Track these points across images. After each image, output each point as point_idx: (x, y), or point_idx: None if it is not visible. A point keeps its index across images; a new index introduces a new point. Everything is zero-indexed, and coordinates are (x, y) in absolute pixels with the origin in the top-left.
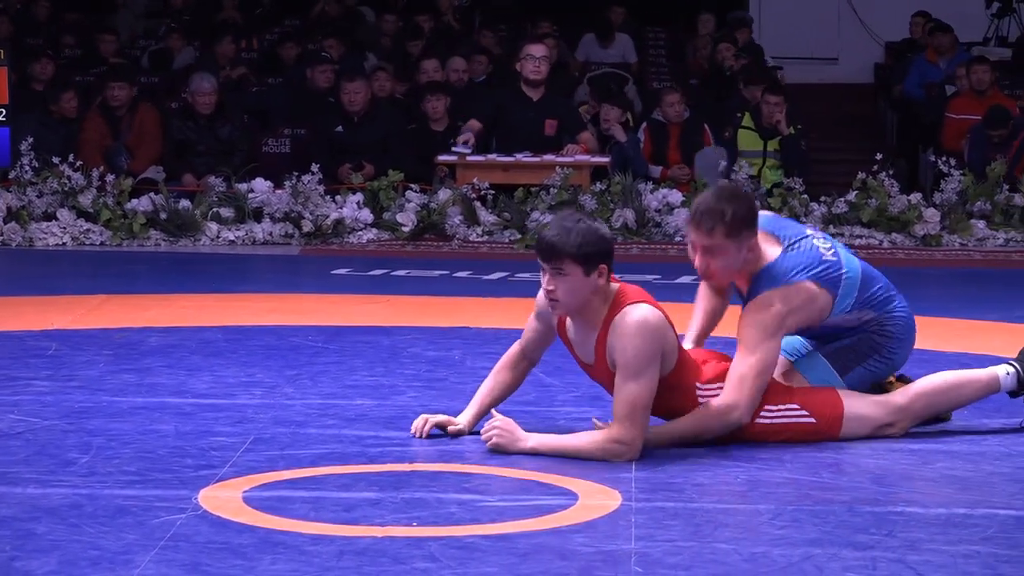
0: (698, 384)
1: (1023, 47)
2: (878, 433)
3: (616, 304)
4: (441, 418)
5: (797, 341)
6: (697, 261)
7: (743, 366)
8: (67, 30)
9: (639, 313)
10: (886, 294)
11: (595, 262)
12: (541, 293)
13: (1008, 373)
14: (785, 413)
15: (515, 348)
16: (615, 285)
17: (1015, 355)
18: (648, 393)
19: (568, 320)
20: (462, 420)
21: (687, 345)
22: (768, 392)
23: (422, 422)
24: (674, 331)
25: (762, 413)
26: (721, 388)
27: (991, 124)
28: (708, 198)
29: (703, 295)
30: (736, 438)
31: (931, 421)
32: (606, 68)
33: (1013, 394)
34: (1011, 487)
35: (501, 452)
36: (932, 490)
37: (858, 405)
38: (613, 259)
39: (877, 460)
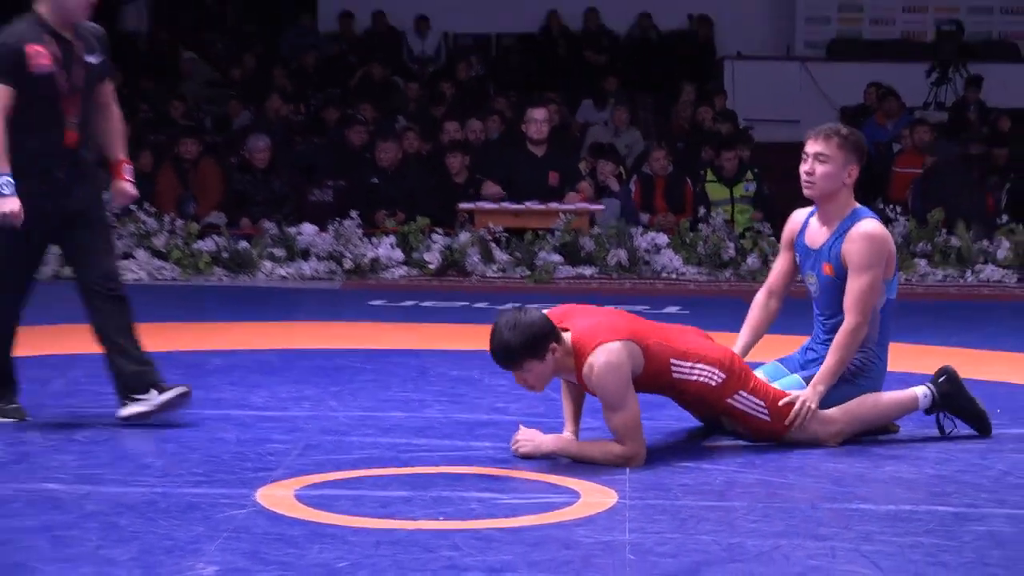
0: (672, 360)
1: (958, 111)
2: (816, 440)
3: (579, 355)
4: None
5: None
6: (805, 167)
7: (867, 286)
8: (142, 97)
9: (600, 359)
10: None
11: (543, 346)
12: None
13: (925, 395)
14: (751, 405)
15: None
16: (567, 337)
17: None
18: (634, 414)
19: None
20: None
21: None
22: (750, 381)
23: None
24: (638, 337)
25: (736, 395)
26: (693, 365)
27: (931, 177)
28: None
29: (753, 312)
30: (711, 411)
31: (880, 431)
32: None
33: (928, 411)
34: (949, 487)
35: (528, 458)
36: (882, 490)
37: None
38: (554, 329)
39: (835, 464)
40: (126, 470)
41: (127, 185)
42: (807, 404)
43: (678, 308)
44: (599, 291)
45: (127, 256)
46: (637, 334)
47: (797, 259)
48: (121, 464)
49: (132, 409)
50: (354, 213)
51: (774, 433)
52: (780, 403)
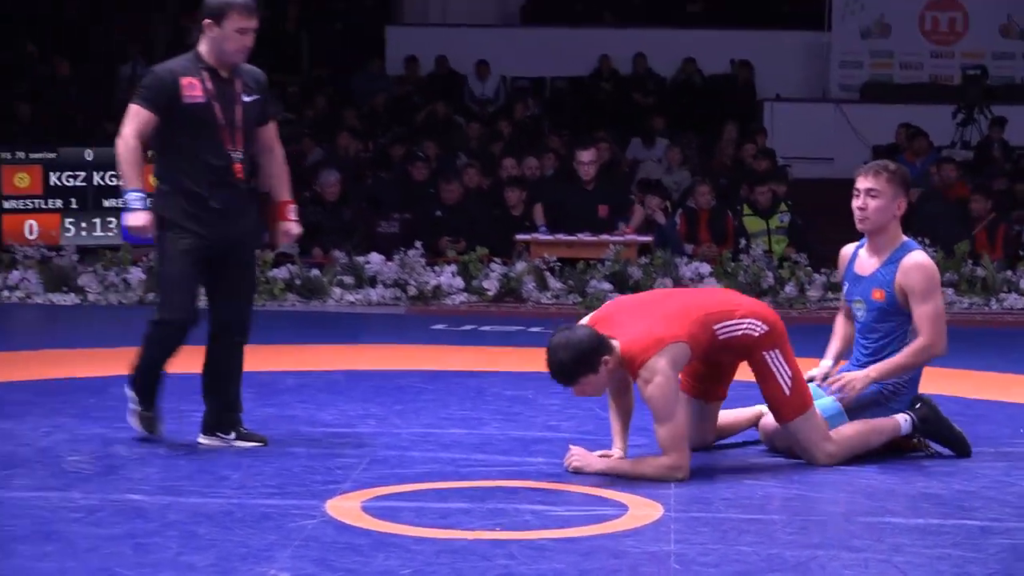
0: (715, 327)
1: (983, 150)
2: (810, 456)
3: (629, 364)
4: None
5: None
6: (857, 202)
7: (933, 310)
8: None
9: (649, 373)
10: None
11: (596, 360)
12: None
13: (906, 420)
14: (781, 368)
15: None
16: (616, 345)
17: (963, 394)
18: (682, 424)
19: None
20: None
21: (827, 362)
22: (788, 348)
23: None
24: (680, 331)
25: (772, 351)
26: (739, 320)
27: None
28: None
29: (839, 324)
30: (749, 359)
31: (909, 449)
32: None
33: (908, 436)
34: (976, 502)
35: (580, 473)
36: (912, 504)
37: (817, 419)
38: (603, 342)
39: (868, 480)
40: (205, 482)
41: (292, 224)
42: (853, 381)
43: None
44: None
45: None
46: (678, 327)
47: (845, 288)
48: (200, 477)
49: (210, 442)
50: (418, 244)
51: (785, 408)
52: (803, 385)
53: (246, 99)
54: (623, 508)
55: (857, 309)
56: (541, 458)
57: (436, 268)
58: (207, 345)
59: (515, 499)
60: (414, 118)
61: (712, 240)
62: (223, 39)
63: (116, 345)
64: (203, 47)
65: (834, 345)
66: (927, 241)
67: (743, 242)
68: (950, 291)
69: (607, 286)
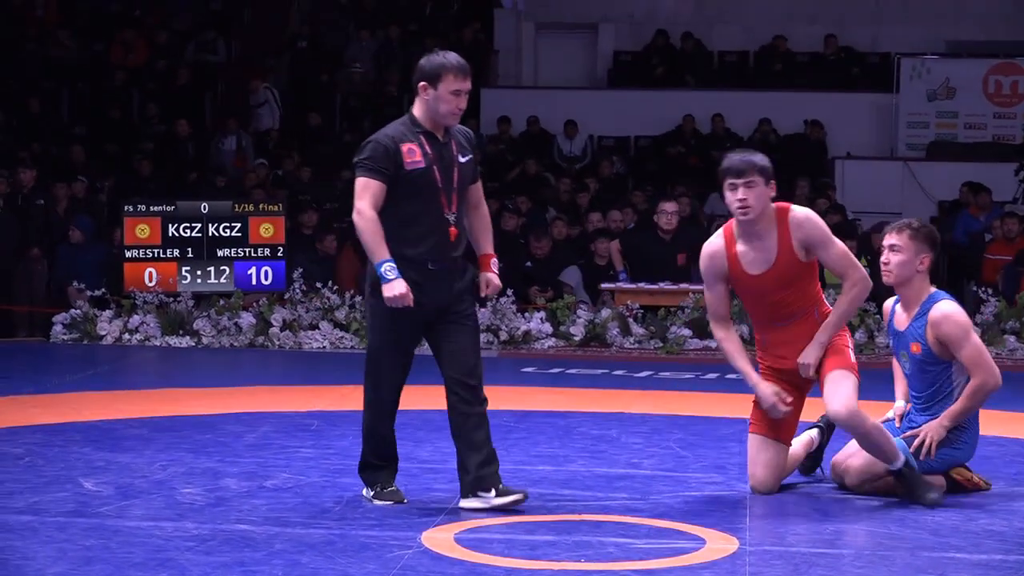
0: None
1: None
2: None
3: (779, 220)
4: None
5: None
6: (882, 258)
7: (974, 350)
8: (328, 189)
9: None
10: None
11: (771, 177)
12: None
13: (815, 434)
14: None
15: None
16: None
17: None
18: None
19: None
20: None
21: (900, 403)
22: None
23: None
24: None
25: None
26: None
27: (1020, 263)
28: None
29: (898, 368)
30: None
31: (974, 488)
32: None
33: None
34: None
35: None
36: (975, 540)
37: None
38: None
39: (932, 516)
40: (308, 514)
41: (494, 276)
42: (931, 436)
43: None
44: (724, 362)
45: (313, 327)
46: None
47: (891, 343)
48: (304, 508)
49: (471, 503)
50: (509, 291)
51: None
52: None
53: (461, 160)
54: (701, 542)
55: (903, 363)
56: (624, 494)
57: (526, 315)
58: (448, 409)
59: (599, 532)
60: (507, 174)
61: None
62: (438, 101)
63: (228, 385)
64: (417, 110)
65: (900, 387)
66: (990, 292)
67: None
68: (1012, 339)
69: (687, 331)
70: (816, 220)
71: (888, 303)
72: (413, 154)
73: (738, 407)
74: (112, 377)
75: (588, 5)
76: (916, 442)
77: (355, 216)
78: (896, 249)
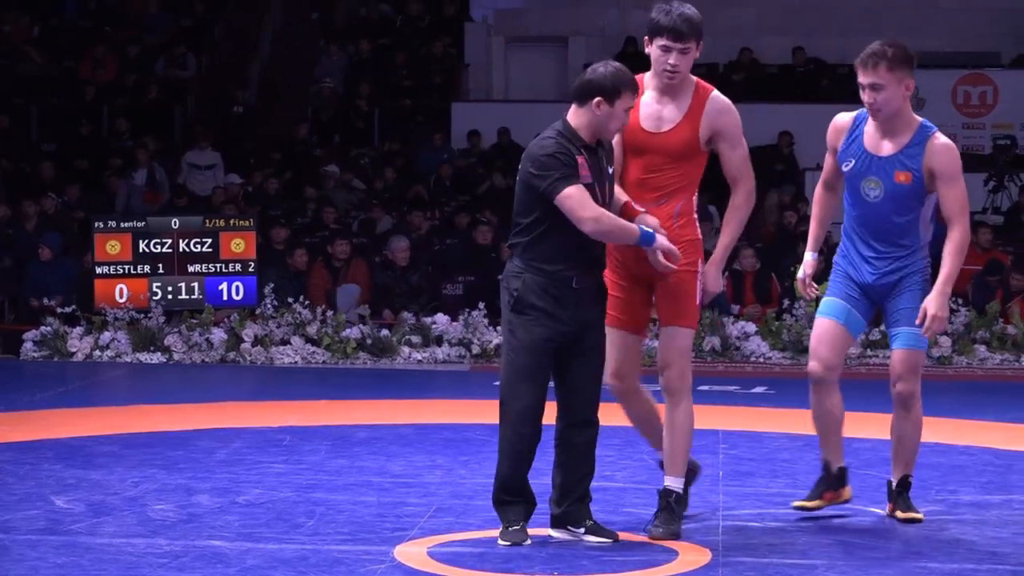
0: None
1: (1013, 215)
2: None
3: (699, 90)
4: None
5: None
6: (866, 98)
7: (962, 192)
8: (299, 204)
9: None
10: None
11: (702, 36)
12: None
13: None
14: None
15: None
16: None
17: (995, 445)
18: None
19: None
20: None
21: (810, 256)
22: None
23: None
24: None
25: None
26: None
27: (990, 272)
28: (872, 47)
29: (818, 206)
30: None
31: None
32: None
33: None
34: (1007, 548)
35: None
36: (948, 550)
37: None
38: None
39: (905, 527)
40: (281, 529)
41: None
42: (939, 312)
43: (765, 388)
44: (695, 374)
45: (284, 342)
46: None
47: (849, 164)
48: (277, 524)
49: (560, 535)
50: (481, 305)
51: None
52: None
53: (610, 171)
54: (674, 553)
55: (870, 189)
56: (596, 506)
57: (498, 328)
58: (557, 436)
59: (572, 545)
60: (477, 187)
61: (757, 300)
62: (610, 118)
63: (199, 400)
64: (578, 122)
65: (820, 233)
66: (960, 301)
67: (787, 302)
68: (982, 348)
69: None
70: (736, 117)
71: (844, 118)
72: (584, 168)
73: (708, 419)
74: (83, 394)
75: (558, 19)
76: (927, 323)
77: (593, 225)
78: (877, 88)
